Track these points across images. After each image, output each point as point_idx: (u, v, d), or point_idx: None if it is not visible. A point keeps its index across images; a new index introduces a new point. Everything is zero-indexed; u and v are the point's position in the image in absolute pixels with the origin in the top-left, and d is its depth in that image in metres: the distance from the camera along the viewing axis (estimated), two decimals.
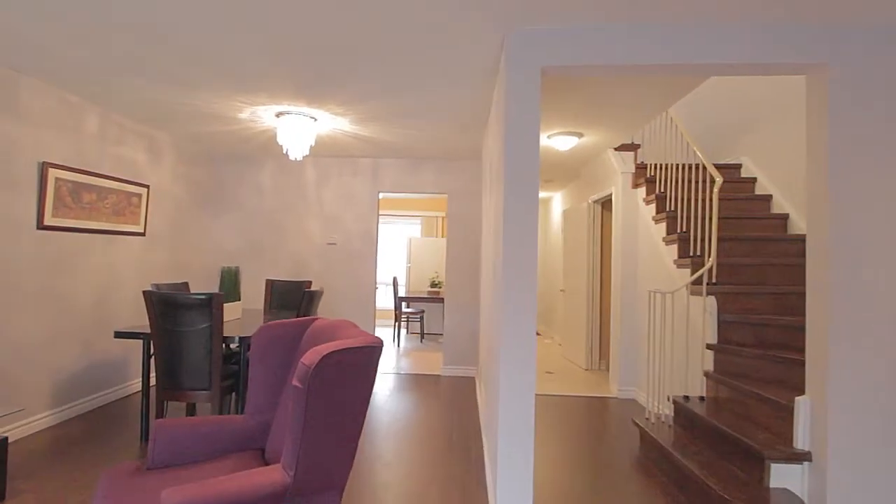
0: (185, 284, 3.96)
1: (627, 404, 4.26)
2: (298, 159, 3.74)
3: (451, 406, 4.07)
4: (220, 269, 3.56)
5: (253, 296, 5.32)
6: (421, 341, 7.20)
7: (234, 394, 3.18)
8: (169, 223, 4.60)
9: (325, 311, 5.24)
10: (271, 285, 4.65)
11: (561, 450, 3.19)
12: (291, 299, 4.56)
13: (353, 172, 5.32)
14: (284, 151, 3.79)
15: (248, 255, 5.35)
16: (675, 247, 3.71)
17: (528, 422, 2.16)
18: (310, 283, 4.57)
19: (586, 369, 5.54)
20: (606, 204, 5.59)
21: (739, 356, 3.02)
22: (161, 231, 4.49)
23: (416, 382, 4.85)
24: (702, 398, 3.15)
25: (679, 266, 3.62)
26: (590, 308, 5.55)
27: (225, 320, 3.51)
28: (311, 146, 4.38)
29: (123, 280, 4.03)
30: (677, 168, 3.98)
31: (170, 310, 2.82)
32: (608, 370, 5.46)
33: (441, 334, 7.78)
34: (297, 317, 3.44)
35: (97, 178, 3.69)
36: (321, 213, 5.31)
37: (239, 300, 3.70)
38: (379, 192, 5.30)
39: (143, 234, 4.23)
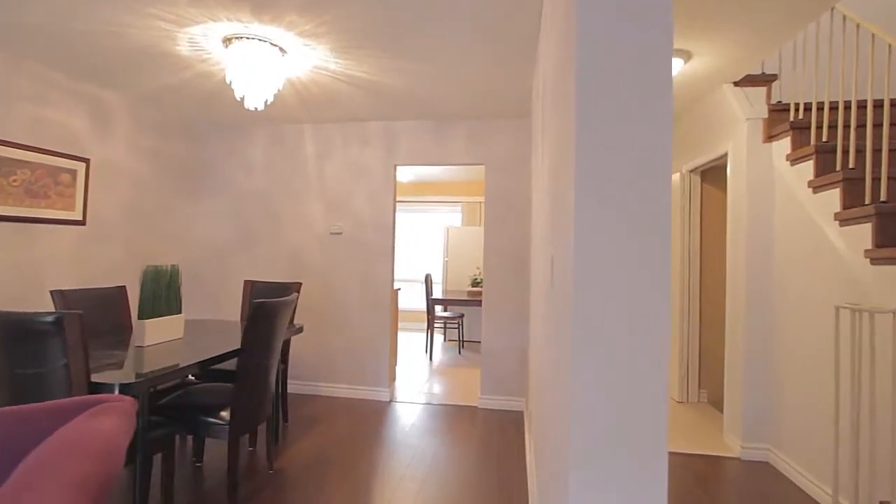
0: (121, 289, 2.91)
1: (762, 473, 2.76)
2: (259, 108, 2.57)
3: (488, 456, 2.77)
4: (170, 267, 2.47)
5: (235, 303, 4.27)
6: (459, 352, 5.92)
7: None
8: (124, 209, 3.60)
9: (329, 319, 4.09)
10: (251, 288, 3.54)
11: None
12: None
13: (361, 141, 4.10)
14: (239, 97, 2.62)
15: (234, 247, 4.29)
16: (864, 228, 2.18)
17: None
18: (299, 285, 3.42)
19: (679, 402, 4.04)
20: (708, 174, 4.03)
21: None
22: (112, 219, 3.49)
23: (446, 417, 3.58)
24: None
25: (876, 261, 2.09)
26: (683, 318, 4.03)
27: (152, 343, 2.41)
28: (278, 91, 3.14)
29: (49, 283, 3.04)
30: (856, 107, 2.40)
31: (3, 338, 1.71)
32: (711, 403, 3.93)
33: None
34: (243, 344, 2.26)
35: None
36: (323, 193, 4.15)
37: (178, 313, 2.59)
38: (395, 165, 4.05)
39: (81, 223, 3.24)
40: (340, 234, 4.11)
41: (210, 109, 3.83)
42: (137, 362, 2.07)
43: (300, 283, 3.42)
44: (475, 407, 3.87)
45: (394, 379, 4.26)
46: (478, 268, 6.74)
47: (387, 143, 4.06)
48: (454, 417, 3.62)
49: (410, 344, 6.38)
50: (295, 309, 3.33)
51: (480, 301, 5.51)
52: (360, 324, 4.05)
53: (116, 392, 1.76)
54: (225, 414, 2.28)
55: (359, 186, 4.09)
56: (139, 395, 1.89)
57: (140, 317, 2.39)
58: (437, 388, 4.37)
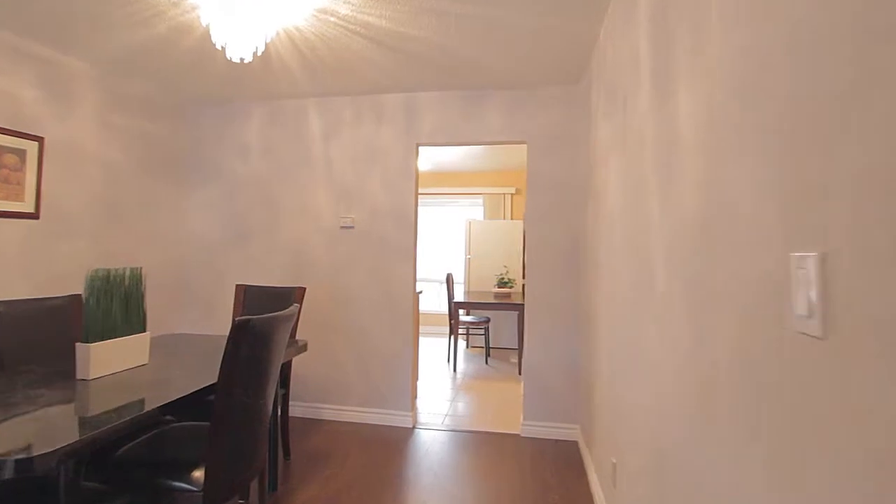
0: (74, 299, 2.28)
1: None
2: (246, 60, 1.92)
3: None
4: (127, 272, 1.83)
5: (230, 310, 3.63)
6: (486, 362, 5.26)
7: None
8: (92, 199, 2.98)
9: (338, 329, 3.45)
10: (244, 294, 2.91)
11: None
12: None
13: (377, 117, 3.45)
14: (219, 45, 1.98)
15: (227, 245, 3.66)
16: None
17: None
18: (303, 290, 2.78)
19: None
20: None
21: None
22: (75, 212, 2.87)
23: (483, 450, 2.92)
24: None
25: None
26: None
27: (101, 374, 1.78)
28: (276, 54, 2.44)
29: None
30: None
31: None
32: None
33: (514, 349, 5.81)
34: (220, 380, 1.62)
35: None
36: (332, 180, 3.51)
37: (141, 331, 1.96)
38: (417, 145, 3.39)
39: (34, 216, 2.62)
40: (352, 227, 3.46)
41: (195, 79, 3.20)
42: (77, 406, 1.43)
43: (304, 288, 2.78)
44: (517, 435, 3.21)
45: (415, 398, 3.61)
46: (505, 266, 6.07)
47: (407, 118, 3.40)
48: (493, 450, 2.96)
49: (430, 351, 5.73)
50: (297, 321, 2.69)
51: (508, 304, 4.85)
52: (376, 334, 3.40)
53: (11, 471, 1.12)
54: (199, 474, 1.64)
55: (374, 171, 3.44)
56: (52, 472, 1.25)
57: (84, 339, 1.76)
58: (466, 409, 3.71)
